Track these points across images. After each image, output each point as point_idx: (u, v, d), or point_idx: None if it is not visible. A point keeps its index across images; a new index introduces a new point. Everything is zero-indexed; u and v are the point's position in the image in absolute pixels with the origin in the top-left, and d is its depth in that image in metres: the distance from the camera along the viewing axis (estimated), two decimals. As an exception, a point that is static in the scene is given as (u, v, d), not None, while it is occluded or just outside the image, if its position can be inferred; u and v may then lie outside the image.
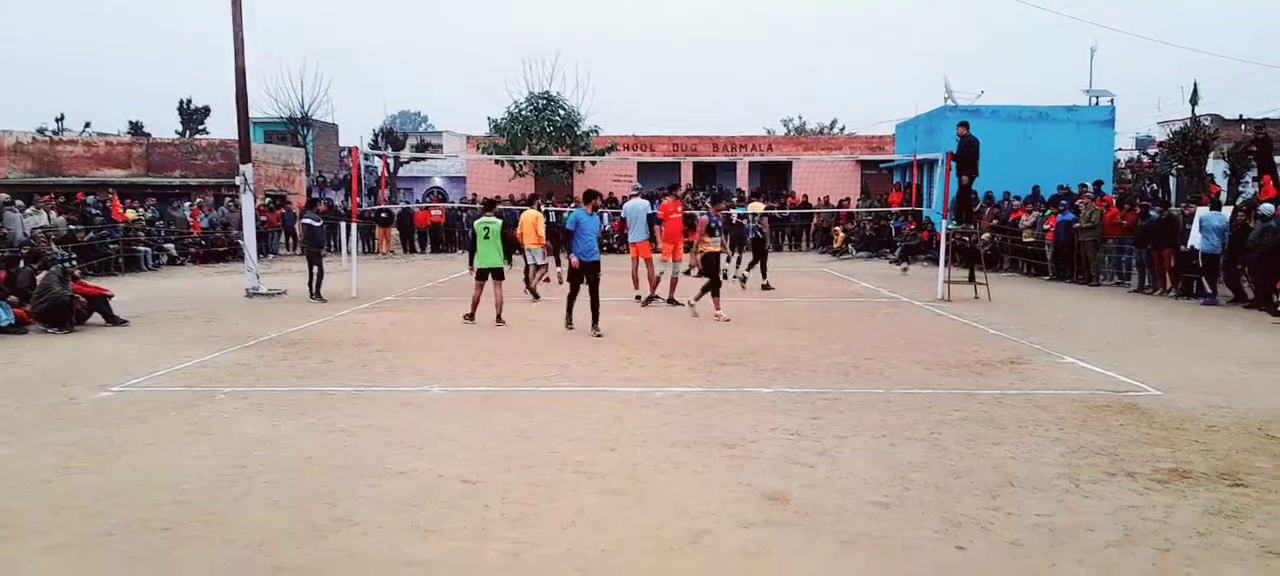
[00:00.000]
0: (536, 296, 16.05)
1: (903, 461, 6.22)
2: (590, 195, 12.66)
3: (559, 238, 19.70)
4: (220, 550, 4.74)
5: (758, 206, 19.43)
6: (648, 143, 40.26)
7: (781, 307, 15.08)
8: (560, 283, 18.01)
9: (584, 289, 12.24)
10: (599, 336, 11.48)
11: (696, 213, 13.87)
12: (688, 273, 14.93)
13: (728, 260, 20.79)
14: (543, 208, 17.63)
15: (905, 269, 22.72)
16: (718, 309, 13.35)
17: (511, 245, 13.45)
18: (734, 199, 31.82)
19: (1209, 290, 15.72)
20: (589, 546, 4.79)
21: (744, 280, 18.22)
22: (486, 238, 13.05)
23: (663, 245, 16.26)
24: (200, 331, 12.48)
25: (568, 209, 19.60)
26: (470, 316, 13.09)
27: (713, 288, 13.43)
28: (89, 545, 4.83)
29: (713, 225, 13.89)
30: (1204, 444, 6.67)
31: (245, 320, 13.62)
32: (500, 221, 13.30)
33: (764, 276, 18.00)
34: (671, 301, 15.19)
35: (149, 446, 6.72)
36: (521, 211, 17.27)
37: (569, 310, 12.30)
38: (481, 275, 13.11)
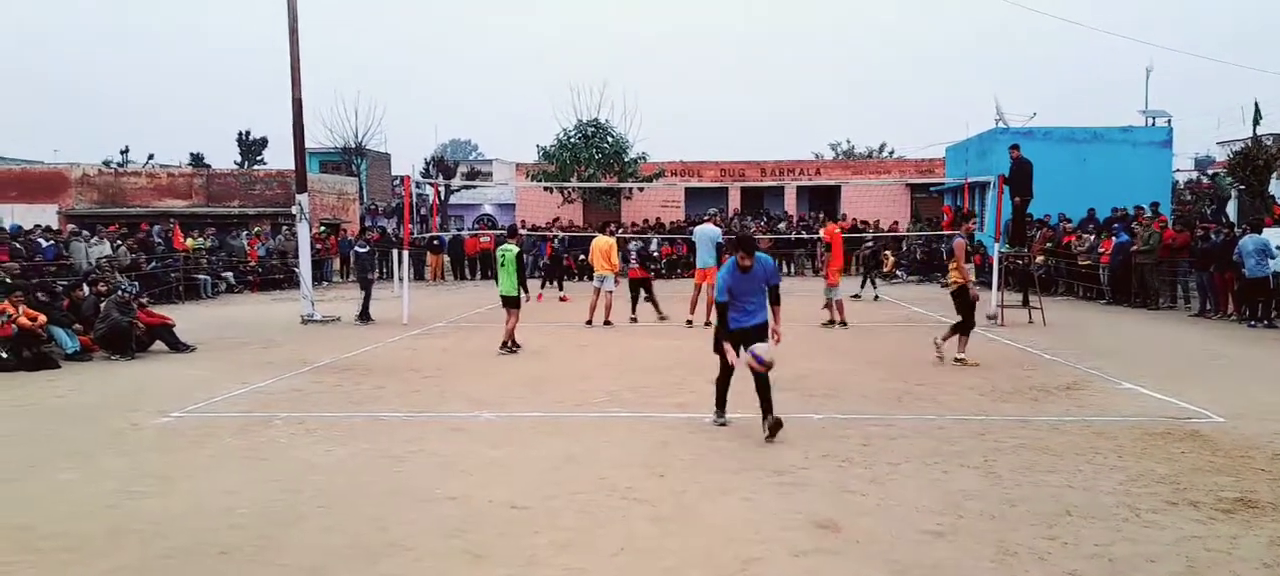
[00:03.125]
0: (604, 322, 16.19)
1: (956, 489, 6.13)
2: (742, 245, 7.94)
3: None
4: (275, 574, 4.81)
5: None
6: (695, 168, 40.36)
7: (831, 333, 14.96)
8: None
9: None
10: (771, 438, 7.50)
11: (956, 235, 11.75)
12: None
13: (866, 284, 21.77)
14: (615, 233, 17.70)
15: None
16: (962, 350, 11.47)
17: (523, 273, 13.18)
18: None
19: (1256, 314, 15.32)
20: (638, 573, 4.78)
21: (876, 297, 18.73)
22: (502, 265, 13.04)
23: (831, 271, 16.17)
24: (257, 358, 12.73)
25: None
26: (508, 347, 12.87)
27: (963, 326, 11.52)
28: (149, 568, 4.93)
29: (970, 249, 11.88)
30: (1270, 473, 6.47)
31: (300, 346, 13.87)
32: (516, 249, 13.15)
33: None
34: (842, 323, 15.55)
35: (207, 471, 6.86)
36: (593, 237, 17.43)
37: (721, 395, 8.20)
38: (505, 303, 13.04)
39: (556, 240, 28.37)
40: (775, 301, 8.00)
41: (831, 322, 15.70)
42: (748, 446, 7.36)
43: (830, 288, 15.88)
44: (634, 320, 16.65)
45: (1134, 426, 7.95)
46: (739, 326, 7.95)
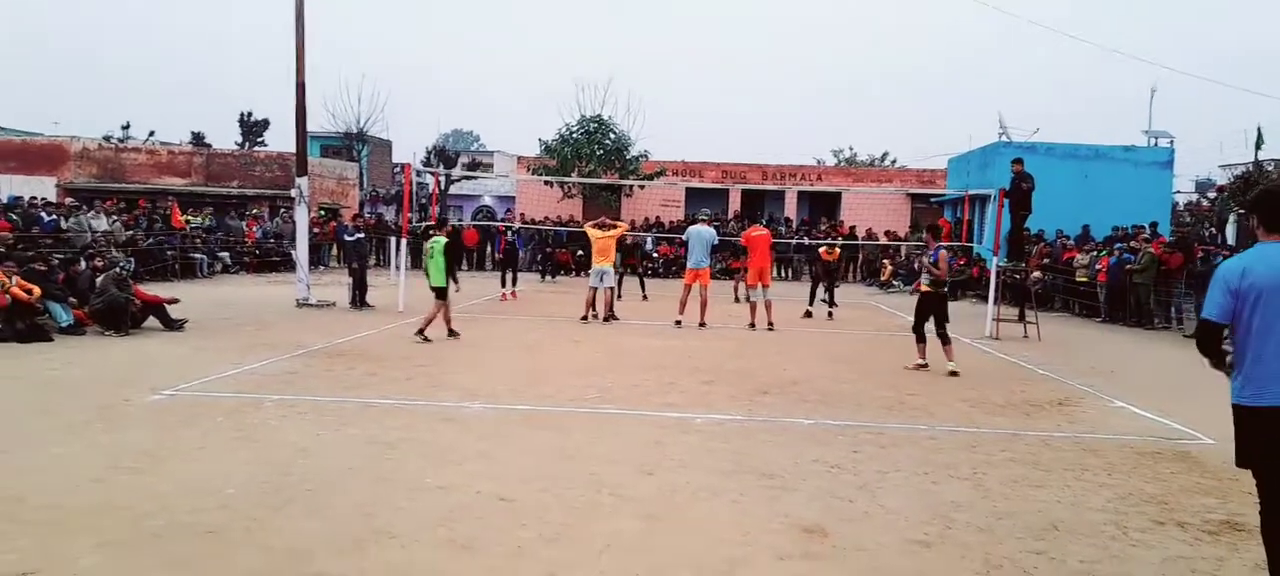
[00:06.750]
0: (603, 319, 16.33)
1: (944, 500, 6.13)
2: None
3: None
4: (262, 557, 4.81)
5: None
6: (696, 169, 40.35)
7: (826, 339, 14.98)
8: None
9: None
10: None
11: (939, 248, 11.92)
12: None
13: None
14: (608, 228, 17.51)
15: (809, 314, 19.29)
16: (921, 356, 11.84)
17: (454, 264, 13.87)
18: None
19: None
20: (624, 571, 4.78)
21: (826, 312, 18.66)
22: (431, 258, 13.49)
23: (752, 273, 16.32)
24: (251, 339, 12.72)
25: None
26: (422, 333, 13.04)
27: (918, 332, 11.96)
28: (136, 545, 4.93)
29: (937, 260, 11.81)
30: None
31: (295, 329, 13.87)
32: (444, 241, 13.58)
33: (831, 303, 18.89)
34: (769, 325, 15.69)
35: (197, 450, 6.86)
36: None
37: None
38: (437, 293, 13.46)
39: (511, 232, 26.97)
40: None
41: (752, 325, 15.84)
42: (738, 449, 7.36)
43: (750, 288, 16.36)
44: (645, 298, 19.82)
45: (1124, 444, 7.97)
46: (1259, 403, 4.41)
